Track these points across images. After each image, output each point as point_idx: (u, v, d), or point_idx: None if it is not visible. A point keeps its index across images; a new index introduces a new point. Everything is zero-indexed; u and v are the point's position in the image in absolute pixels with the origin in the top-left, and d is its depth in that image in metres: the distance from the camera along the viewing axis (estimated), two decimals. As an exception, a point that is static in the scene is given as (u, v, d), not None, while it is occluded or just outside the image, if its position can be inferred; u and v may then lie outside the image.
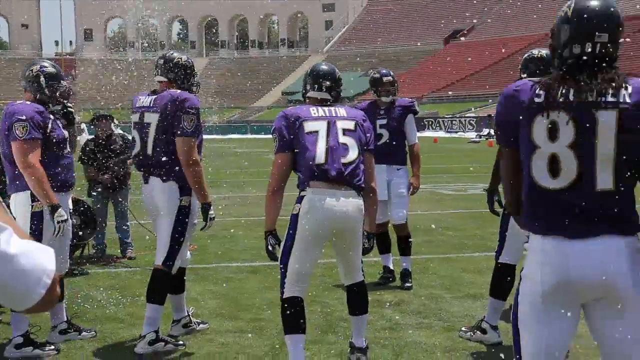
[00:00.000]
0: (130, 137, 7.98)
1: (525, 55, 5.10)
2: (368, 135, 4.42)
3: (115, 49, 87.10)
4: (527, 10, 69.53)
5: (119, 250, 8.09)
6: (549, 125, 2.51)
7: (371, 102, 6.75)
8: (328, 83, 4.47)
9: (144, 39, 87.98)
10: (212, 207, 4.93)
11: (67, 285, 6.28)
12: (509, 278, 4.91)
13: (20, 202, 4.75)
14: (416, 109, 6.80)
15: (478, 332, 5.00)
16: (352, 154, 4.25)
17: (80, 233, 7.27)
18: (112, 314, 5.71)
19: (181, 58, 5.02)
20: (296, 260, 4.22)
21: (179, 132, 4.73)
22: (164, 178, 4.82)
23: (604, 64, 2.54)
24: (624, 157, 2.48)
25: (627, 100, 2.48)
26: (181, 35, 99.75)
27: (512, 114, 2.59)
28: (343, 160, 4.21)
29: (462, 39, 73.86)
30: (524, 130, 2.56)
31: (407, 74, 65.50)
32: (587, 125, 2.47)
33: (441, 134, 46.68)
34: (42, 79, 4.85)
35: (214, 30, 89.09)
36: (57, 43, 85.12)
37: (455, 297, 6.17)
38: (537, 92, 2.55)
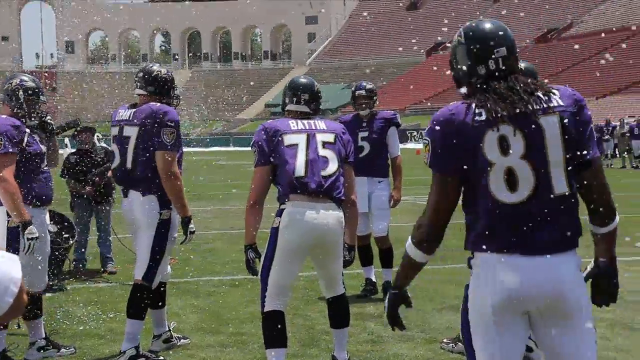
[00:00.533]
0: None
1: None
2: (348, 147, 4.43)
3: (97, 62, 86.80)
4: (509, 23, 70.06)
5: (100, 265, 8.03)
6: (499, 140, 2.51)
7: (355, 115, 6.79)
8: (307, 96, 4.46)
9: (126, 52, 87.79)
10: (192, 221, 4.90)
11: (46, 301, 6.20)
12: None
13: None
14: (398, 122, 6.81)
15: (460, 343, 4.99)
16: (332, 167, 4.27)
17: (59, 240, 7.21)
18: (92, 330, 5.65)
19: (160, 71, 4.99)
20: (277, 273, 4.22)
21: (158, 145, 4.71)
22: (144, 192, 4.79)
23: (511, 76, 2.60)
24: (570, 159, 2.55)
25: (561, 103, 2.58)
26: (164, 48, 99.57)
27: (454, 137, 2.55)
28: (323, 173, 4.22)
29: (444, 51, 74.28)
30: (472, 151, 2.53)
31: (390, 86, 65.76)
32: (535, 133, 2.52)
33: (421, 145, 46.78)
34: (20, 93, 4.81)
35: (197, 43, 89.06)
36: (37, 56, 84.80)
37: (437, 309, 6.17)
38: (476, 111, 2.55)
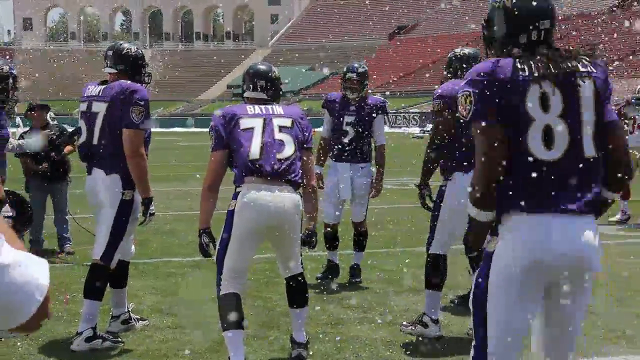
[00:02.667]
0: (67, 128, 7.82)
1: (450, 54, 5.25)
2: (306, 133, 4.44)
3: (56, 39, 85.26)
4: (473, 6, 70.41)
5: (57, 245, 7.90)
6: (541, 97, 2.55)
7: (343, 96, 6.59)
8: (263, 83, 4.47)
9: (86, 30, 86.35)
10: (153, 203, 4.84)
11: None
12: (441, 268, 5.01)
13: None
14: (387, 110, 6.63)
15: (419, 326, 5.02)
16: (288, 150, 4.28)
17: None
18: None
19: (130, 49, 4.92)
20: (233, 256, 4.23)
21: (127, 123, 4.64)
22: (108, 170, 4.72)
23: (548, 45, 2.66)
24: (597, 123, 2.64)
25: (595, 70, 2.67)
26: (124, 26, 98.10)
27: (498, 89, 2.56)
28: (278, 156, 4.23)
29: (407, 35, 74.44)
30: (515, 106, 2.55)
31: (352, 69, 65.71)
32: (573, 93, 2.60)
33: (385, 129, 46.88)
34: (10, 80, 4.95)
35: (158, 22, 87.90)
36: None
37: (397, 292, 6.20)
38: (519, 66, 2.57)
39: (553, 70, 2.56)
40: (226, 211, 4.26)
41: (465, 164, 4.77)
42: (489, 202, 2.59)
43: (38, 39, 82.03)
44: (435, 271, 5.00)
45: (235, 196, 4.24)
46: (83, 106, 4.85)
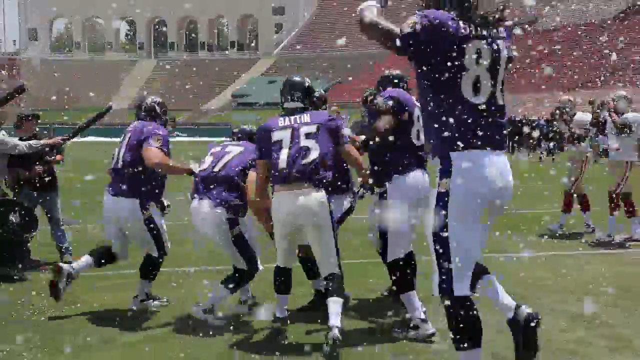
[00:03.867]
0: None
1: (380, 75, 5.62)
2: (335, 134, 4.94)
3: (61, 49, 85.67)
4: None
5: (59, 256, 7.90)
6: (476, 53, 3.07)
7: None
8: (299, 93, 5.08)
9: (91, 40, 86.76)
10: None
11: (6, 290, 6.09)
12: (404, 270, 5.12)
13: None
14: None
15: (411, 330, 5.12)
16: (313, 155, 4.81)
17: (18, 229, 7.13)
18: (54, 319, 5.57)
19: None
20: (279, 247, 5.13)
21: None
22: (216, 202, 5.42)
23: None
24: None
25: (504, 35, 3.24)
26: (129, 37, 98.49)
27: (440, 37, 3.01)
28: (303, 162, 4.78)
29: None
30: (451, 54, 3.02)
31: (357, 78, 65.87)
32: (497, 53, 3.16)
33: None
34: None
35: (163, 32, 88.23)
36: None
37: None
38: (460, 24, 3.06)
39: (484, 33, 3.10)
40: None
41: (400, 168, 4.96)
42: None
43: (43, 49, 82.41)
44: (403, 276, 5.11)
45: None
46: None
